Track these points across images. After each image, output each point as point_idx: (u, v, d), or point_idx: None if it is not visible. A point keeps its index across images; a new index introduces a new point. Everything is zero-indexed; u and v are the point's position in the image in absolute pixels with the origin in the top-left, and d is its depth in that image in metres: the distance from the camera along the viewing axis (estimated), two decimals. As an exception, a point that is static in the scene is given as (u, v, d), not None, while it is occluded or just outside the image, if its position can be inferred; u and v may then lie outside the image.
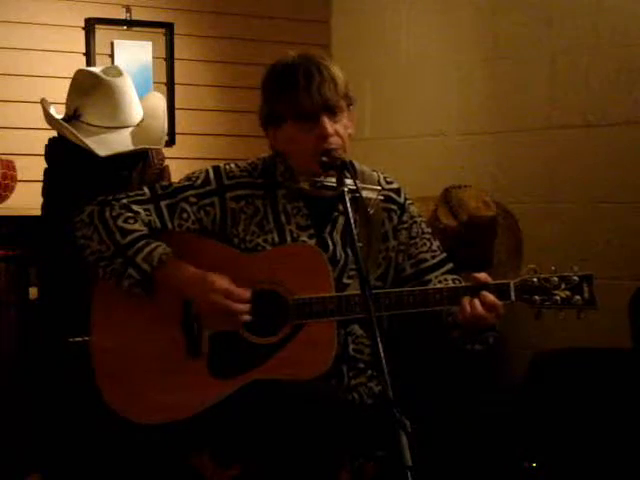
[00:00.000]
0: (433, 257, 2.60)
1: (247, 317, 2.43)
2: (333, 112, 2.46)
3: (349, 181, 2.33)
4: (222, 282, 2.42)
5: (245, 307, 2.42)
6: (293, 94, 2.44)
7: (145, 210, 2.52)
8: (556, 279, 2.43)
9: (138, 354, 2.49)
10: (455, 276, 2.59)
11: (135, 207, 2.51)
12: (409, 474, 1.90)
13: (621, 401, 3.21)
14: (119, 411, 2.47)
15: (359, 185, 2.38)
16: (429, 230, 2.65)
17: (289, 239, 2.52)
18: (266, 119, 2.53)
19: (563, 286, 2.43)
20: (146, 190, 2.56)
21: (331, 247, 2.53)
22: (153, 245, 2.46)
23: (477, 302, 2.40)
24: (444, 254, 2.62)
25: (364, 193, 2.45)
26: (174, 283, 2.45)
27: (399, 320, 2.49)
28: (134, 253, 2.45)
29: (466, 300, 2.40)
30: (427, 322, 2.51)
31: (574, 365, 3.37)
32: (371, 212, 2.52)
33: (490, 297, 2.40)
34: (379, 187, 2.57)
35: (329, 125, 2.44)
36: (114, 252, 2.46)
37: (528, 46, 4.07)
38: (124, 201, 2.52)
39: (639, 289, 3.34)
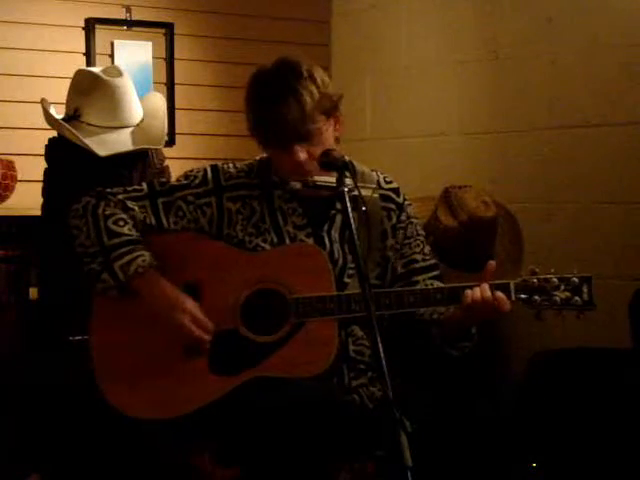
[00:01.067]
0: (424, 260, 2.61)
1: (205, 347, 2.45)
2: (304, 139, 2.42)
3: (348, 180, 2.33)
4: (192, 306, 2.44)
5: (207, 338, 2.44)
6: (264, 123, 2.44)
7: (141, 207, 2.52)
8: (556, 280, 2.44)
9: (138, 351, 2.49)
10: (440, 283, 2.60)
11: (130, 203, 2.52)
12: (409, 474, 1.90)
13: (621, 401, 3.21)
14: (119, 408, 2.47)
15: (357, 184, 2.38)
16: (423, 233, 2.67)
17: (287, 239, 2.52)
18: (250, 132, 2.54)
19: (563, 287, 2.43)
20: (144, 186, 2.57)
21: (328, 246, 2.53)
22: (135, 254, 2.46)
23: (486, 287, 2.40)
24: (434, 260, 2.64)
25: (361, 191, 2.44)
26: (145, 294, 2.46)
27: (399, 318, 2.49)
28: (114, 258, 2.46)
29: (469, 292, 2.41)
30: (407, 319, 2.52)
31: (574, 365, 3.37)
32: (367, 209, 2.52)
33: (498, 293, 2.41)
34: (374, 185, 2.57)
35: (301, 153, 2.42)
36: (97, 251, 2.48)
37: (528, 46, 4.07)
38: (120, 197, 2.53)
39: (639, 289, 3.33)
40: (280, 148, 2.44)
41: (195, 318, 2.43)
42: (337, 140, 2.51)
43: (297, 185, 2.47)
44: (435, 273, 2.61)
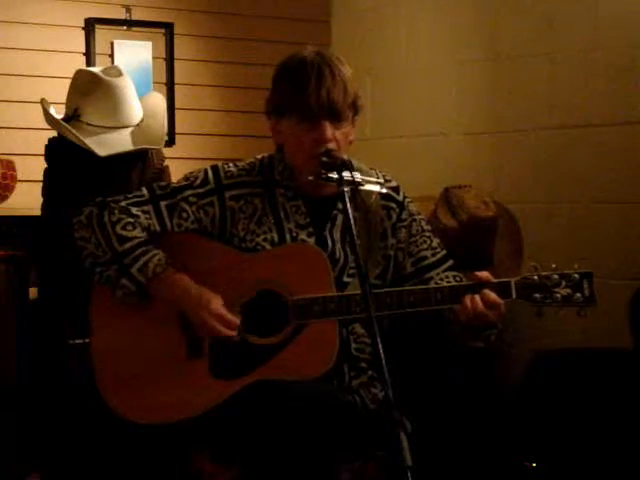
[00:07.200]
0: (434, 255, 2.60)
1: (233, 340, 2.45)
2: (337, 119, 2.44)
3: (354, 174, 2.33)
4: (217, 304, 2.43)
5: (233, 334, 2.43)
6: (302, 91, 2.42)
7: (144, 213, 2.51)
8: (557, 277, 2.43)
9: (138, 355, 2.48)
10: (456, 273, 2.59)
11: (134, 210, 2.50)
12: (409, 474, 1.90)
13: (621, 401, 3.21)
14: (120, 412, 2.47)
15: (363, 179, 2.37)
16: (429, 227, 2.65)
17: (288, 238, 2.52)
18: (270, 108, 2.53)
19: (564, 284, 2.43)
20: (144, 191, 2.55)
21: (330, 246, 2.53)
22: (149, 255, 2.46)
23: (478, 299, 2.40)
24: (444, 251, 2.62)
25: (367, 187, 2.44)
26: (168, 295, 2.46)
27: (400, 318, 2.49)
28: (130, 262, 2.44)
29: (467, 298, 2.40)
30: (427, 317, 2.51)
31: (574, 365, 3.37)
32: (372, 204, 2.52)
33: (491, 295, 2.40)
34: (381, 180, 2.55)
35: (329, 130, 2.43)
36: (110, 258, 2.46)
37: (528, 46, 4.07)
38: (123, 204, 2.51)
39: (639, 289, 3.33)
40: (308, 121, 2.43)
41: (220, 316, 2.42)
42: (350, 143, 2.51)
43: (311, 177, 2.44)
44: (448, 264, 2.60)
